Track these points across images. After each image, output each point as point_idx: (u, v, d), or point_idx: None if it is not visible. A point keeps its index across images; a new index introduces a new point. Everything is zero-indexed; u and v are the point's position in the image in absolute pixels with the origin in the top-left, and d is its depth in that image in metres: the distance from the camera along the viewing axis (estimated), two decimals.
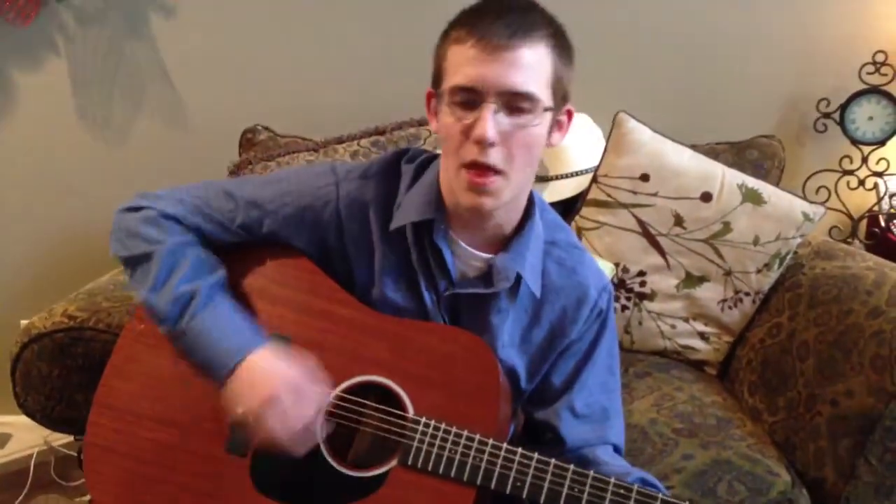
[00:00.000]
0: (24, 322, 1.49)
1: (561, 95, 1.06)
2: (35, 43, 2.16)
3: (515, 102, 1.01)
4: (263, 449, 1.08)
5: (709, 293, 1.83)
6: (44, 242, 2.30)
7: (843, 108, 2.18)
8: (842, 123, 2.19)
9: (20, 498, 2.10)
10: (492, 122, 0.99)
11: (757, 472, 1.42)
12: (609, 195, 1.85)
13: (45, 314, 1.46)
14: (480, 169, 1.02)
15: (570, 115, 1.11)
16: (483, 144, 1.00)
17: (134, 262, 1.16)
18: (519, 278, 1.15)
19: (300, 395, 1.07)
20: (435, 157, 1.18)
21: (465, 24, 1.02)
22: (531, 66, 1.00)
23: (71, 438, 2.14)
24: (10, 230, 2.30)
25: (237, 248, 1.20)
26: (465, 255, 1.15)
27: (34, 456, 2.21)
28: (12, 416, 2.27)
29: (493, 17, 1.00)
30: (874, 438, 1.37)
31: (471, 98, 1.01)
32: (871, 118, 2.17)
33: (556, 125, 1.09)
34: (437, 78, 1.07)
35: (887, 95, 2.15)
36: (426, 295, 1.16)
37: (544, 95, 1.02)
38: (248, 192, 1.19)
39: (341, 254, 1.18)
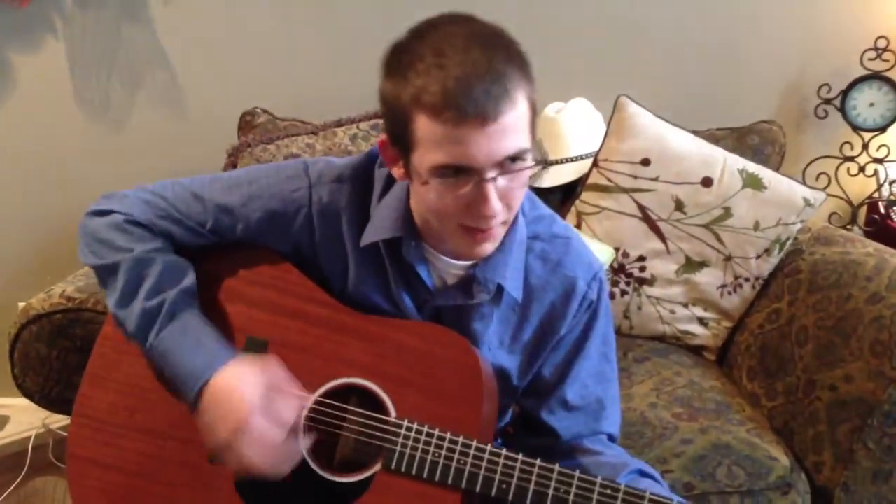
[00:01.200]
0: (21, 304, 1.48)
1: (535, 118, 0.99)
2: (32, 24, 2.15)
3: (510, 162, 0.94)
4: (246, 475, 1.05)
5: (708, 278, 1.83)
6: (41, 225, 2.30)
7: (845, 93, 2.17)
8: (843, 109, 2.18)
9: (18, 480, 2.10)
10: (495, 195, 0.94)
11: (756, 457, 1.42)
12: (609, 179, 1.84)
13: (43, 295, 1.45)
14: (485, 230, 0.99)
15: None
16: (489, 219, 0.96)
17: (102, 272, 1.12)
18: (500, 287, 1.11)
19: (270, 415, 1.03)
20: None
21: (433, 89, 0.90)
22: (519, 123, 0.93)
23: (69, 421, 2.14)
24: (8, 212, 2.29)
25: (209, 248, 1.17)
26: (444, 265, 1.12)
27: (32, 438, 2.21)
28: (10, 399, 2.28)
29: (466, 81, 0.89)
30: (873, 423, 1.37)
31: (463, 173, 0.93)
32: (872, 104, 2.16)
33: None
34: (400, 137, 0.96)
35: (889, 81, 2.14)
36: (406, 304, 1.13)
37: (530, 138, 0.96)
38: (217, 195, 1.14)
39: (314, 259, 1.15)
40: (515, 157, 0.94)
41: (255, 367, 1.06)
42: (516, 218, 1.10)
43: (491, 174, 0.93)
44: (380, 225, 1.10)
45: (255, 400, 1.03)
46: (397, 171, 1.03)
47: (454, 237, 1.01)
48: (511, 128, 0.92)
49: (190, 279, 1.12)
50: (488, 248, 1.02)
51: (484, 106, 0.89)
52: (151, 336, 1.08)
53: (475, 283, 1.10)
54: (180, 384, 1.07)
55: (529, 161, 0.96)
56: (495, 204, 0.94)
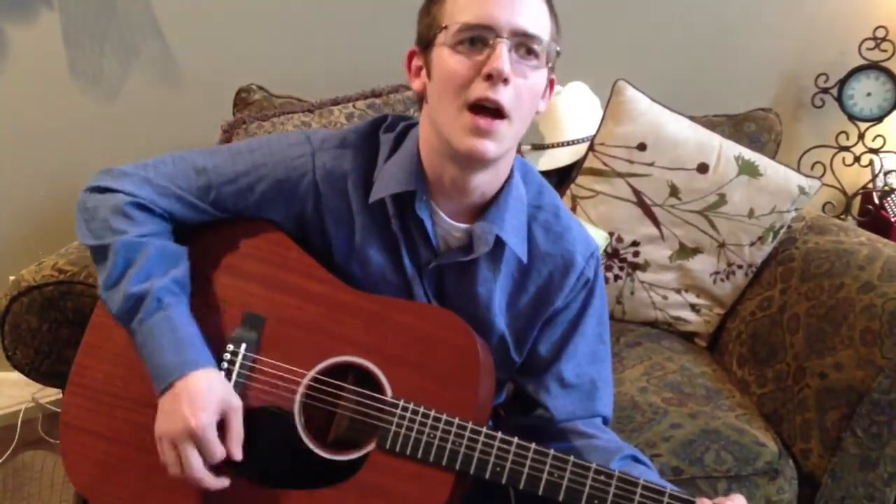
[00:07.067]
0: (12, 278, 1.47)
1: (553, 57, 1.05)
2: None
3: (526, 44, 1.00)
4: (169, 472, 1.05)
5: (702, 265, 1.83)
6: (33, 198, 2.28)
7: (842, 83, 2.18)
8: (839, 99, 2.19)
9: (7, 454, 2.10)
10: (507, 56, 0.98)
11: (744, 443, 1.43)
12: (605, 164, 1.84)
13: (34, 268, 1.44)
14: (488, 111, 0.99)
15: (552, 84, 1.10)
16: (498, 79, 0.97)
17: (95, 252, 1.11)
18: (499, 242, 1.11)
19: (200, 440, 1.01)
20: (414, 125, 1.14)
21: None
22: (539, 12, 1.02)
23: (59, 395, 2.14)
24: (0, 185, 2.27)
25: (208, 222, 1.16)
26: (447, 226, 1.12)
27: (21, 413, 2.20)
28: (0, 373, 2.27)
29: None
30: (861, 411, 1.38)
31: (481, 36, 0.99)
32: (869, 94, 2.17)
33: (547, 87, 1.08)
34: (431, 28, 1.04)
35: (886, 72, 2.14)
36: (408, 266, 1.13)
37: (546, 47, 1.02)
38: (219, 166, 1.13)
39: (319, 226, 1.15)
40: (530, 44, 1.00)
41: (224, 382, 1.06)
42: (512, 173, 1.12)
43: (506, 35, 0.98)
44: (389, 180, 1.10)
45: (213, 412, 1.02)
46: (418, 83, 1.08)
47: (458, 125, 1.01)
48: (533, 8, 1.01)
49: (181, 269, 1.10)
50: (489, 146, 1.00)
51: None
52: (134, 323, 1.07)
53: (475, 238, 1.10)
54: (152, 374, 1.06)
55: (543, 62, 1.02)
56: (506, 65, 0.97)
